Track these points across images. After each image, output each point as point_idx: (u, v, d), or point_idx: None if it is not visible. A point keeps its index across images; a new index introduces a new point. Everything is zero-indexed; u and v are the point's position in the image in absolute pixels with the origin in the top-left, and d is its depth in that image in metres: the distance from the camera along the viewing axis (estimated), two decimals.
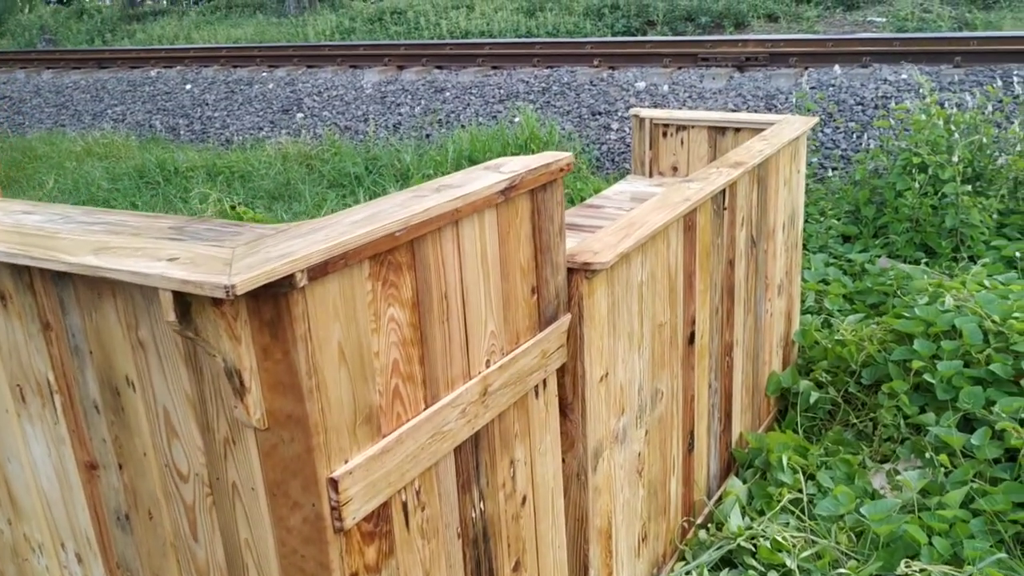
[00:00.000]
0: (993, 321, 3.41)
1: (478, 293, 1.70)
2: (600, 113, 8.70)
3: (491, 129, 7.39)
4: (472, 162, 6.86)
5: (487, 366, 1.74)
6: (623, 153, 7.94)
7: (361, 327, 1.42)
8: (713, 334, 2.88)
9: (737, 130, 3.74)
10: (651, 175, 3.99)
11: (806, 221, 5.67)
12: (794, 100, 7.41)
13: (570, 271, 2.03)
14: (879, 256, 5.04)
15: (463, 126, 9.11)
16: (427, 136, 9.17)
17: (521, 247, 1.82)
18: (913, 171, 5.16)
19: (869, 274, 4.75)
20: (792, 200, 3.59)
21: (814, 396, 3.46)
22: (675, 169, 3.95)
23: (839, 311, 4.32)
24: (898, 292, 4.35)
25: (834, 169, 6.72)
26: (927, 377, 3.27)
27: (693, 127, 3.85)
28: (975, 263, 4.76)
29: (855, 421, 3.41)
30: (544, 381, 1.96)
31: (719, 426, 3.06)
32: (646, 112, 3.94)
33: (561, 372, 2.09)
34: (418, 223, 1.48)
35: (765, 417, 3.56)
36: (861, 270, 4.87)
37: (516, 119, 7.47)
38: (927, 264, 4.85)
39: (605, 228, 2.23)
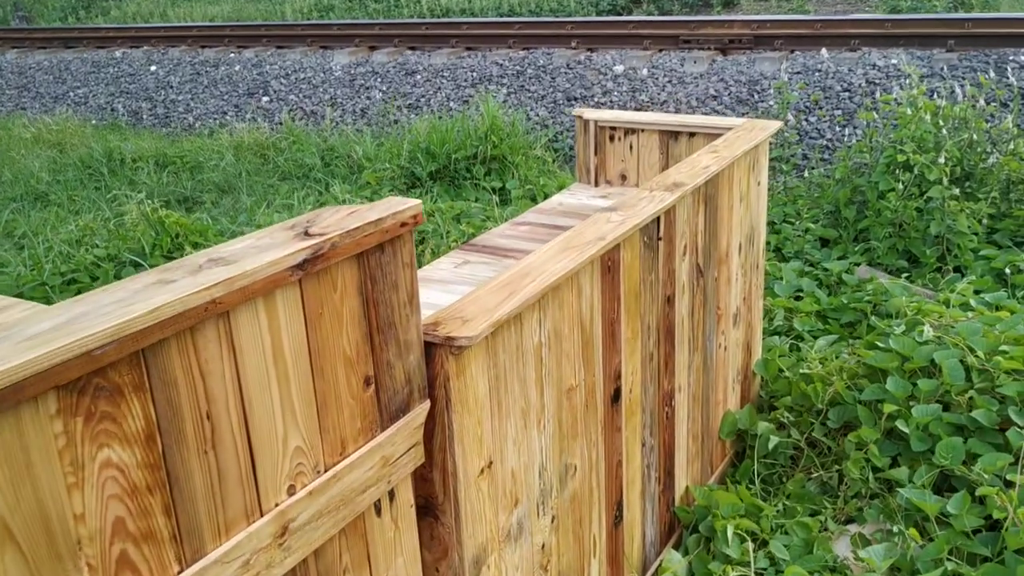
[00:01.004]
0: (977, 356, 2.99)
1: (268, 402, 1.27)
2: (576, 98, 8.22)
3: (453, 118, 6.92)
4: (429, 155, 6.40)
5: (290, 494, 1.32)
6: None
7: (45, 487, 1.00)
8: (647, 385, 2.46)
9: (691, 135, 3.30)
10: (597, 184, 3.55)
11: (782, 223, 5.23)
12: (776, 87, 6.93)
13: (431, 346, 1.61)
14: (858, 264, 4.60)
15: (432, 111, 8.63)
16: (395, 122, 8.70)
17: (345, 330, 1.39)
18: (897, 170, 4.72)
19: (846, 286, 4.32)
20: (751, 217, 3.16)
21: (774, 441, 3.05)
22: (624, 177, 3.51)
23: (809, 332, 3.90)
24: (875, 310, 3.93)
25: (818, 162, 6.27)
26: (900, 424, 2.85)
27: (643, 131, 3.40)
28: (962, 275, 4.33)
29: (819, 472, 2.99)
30: (391, 492, 1.54)
31: (657, 487, 2.64)
32: (591, 113, 3.49)
33: (428, 467, 1.67)
34: (142, 329, 1.05)
35: (719, 463, 3.15)
36: (838, 281, 4.44)
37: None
38: (909, 276, 4.42)
39: (486, 284, 1.80)
